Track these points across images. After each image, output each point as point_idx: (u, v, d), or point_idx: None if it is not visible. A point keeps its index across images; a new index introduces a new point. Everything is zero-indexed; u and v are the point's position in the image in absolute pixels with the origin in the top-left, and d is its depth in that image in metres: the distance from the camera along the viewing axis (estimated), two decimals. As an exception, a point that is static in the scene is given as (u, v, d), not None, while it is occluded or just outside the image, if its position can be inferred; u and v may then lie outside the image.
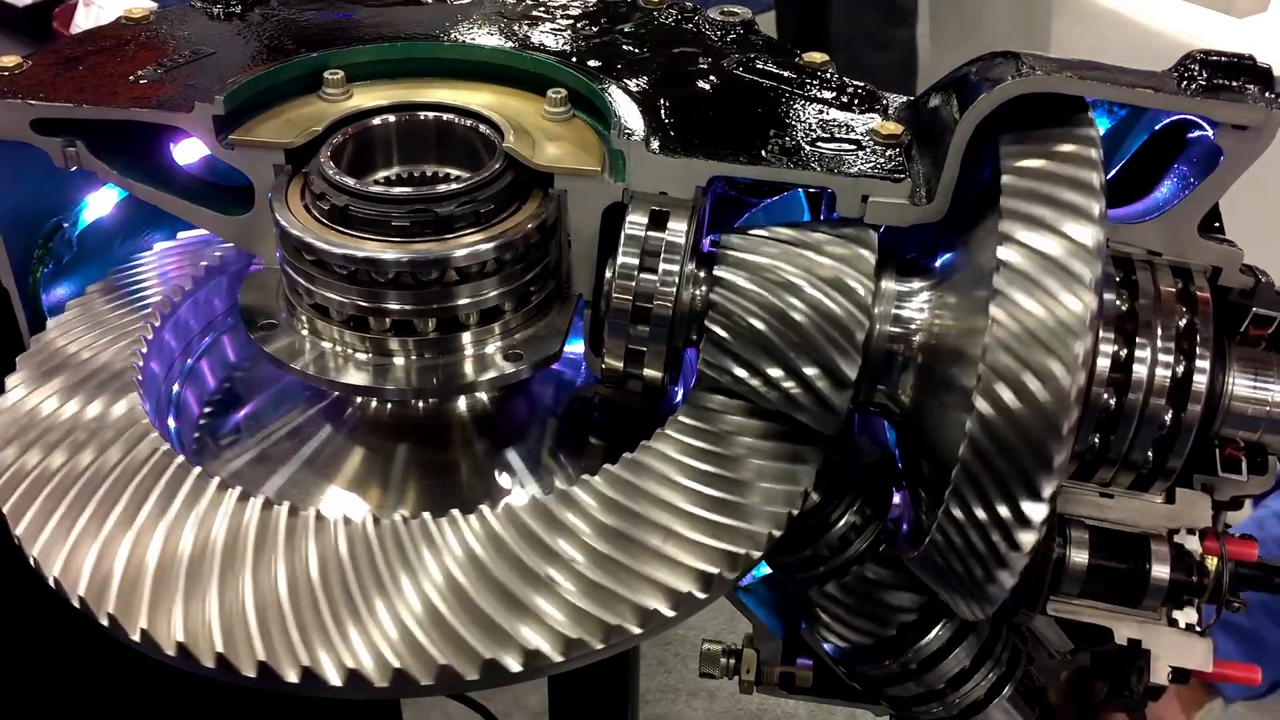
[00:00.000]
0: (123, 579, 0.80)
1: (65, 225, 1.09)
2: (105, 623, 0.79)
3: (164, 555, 0.81)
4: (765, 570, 1.06)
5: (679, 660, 2.83)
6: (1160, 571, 0.84)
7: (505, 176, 0.93)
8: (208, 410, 1.06)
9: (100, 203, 1.11)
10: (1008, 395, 0.74)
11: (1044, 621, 0.95)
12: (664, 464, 0.88)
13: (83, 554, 0.82)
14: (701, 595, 0.81)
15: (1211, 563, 0.86)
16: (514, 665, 0.77)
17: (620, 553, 0.82)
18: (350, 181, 0.91)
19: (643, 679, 2.72)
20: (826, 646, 1.01)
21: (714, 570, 0.82)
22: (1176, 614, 0.86)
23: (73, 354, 0.98)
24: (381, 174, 1.02)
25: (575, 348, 1.03)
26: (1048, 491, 0.74)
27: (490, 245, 0.90)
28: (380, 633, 0.77)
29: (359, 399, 1.03)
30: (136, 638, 0.78)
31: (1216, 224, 0.88)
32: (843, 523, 0.96)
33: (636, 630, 0.80)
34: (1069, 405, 0.73)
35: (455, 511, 0.84)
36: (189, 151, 1.06)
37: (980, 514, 0.77)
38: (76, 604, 0.81)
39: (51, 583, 0.82)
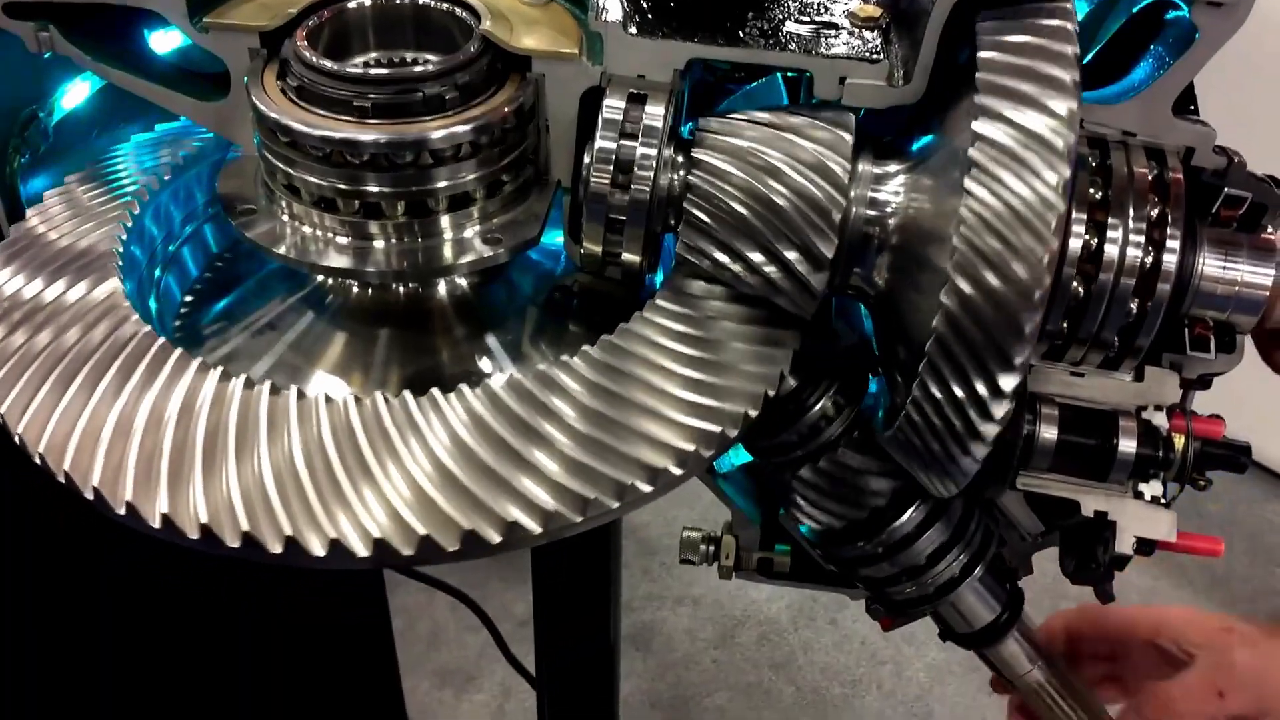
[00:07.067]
0: (105, 461, 0.81)
1: (41, 115, 1.09)
2: (90, 497, 0.81)
3: (147, 436, 0.82)
4: (744, 458, 1.08)
5: (664, 569, 2.86)
6: (1127, 446, 0.85)
7: (482, 59, 0.92)
8: (189, 299, 1.06)
9: (76, 93, 1.11)
10: (982, 266, 0.75)
11: (1014, 501, 0.97)
12: (642, 345, 0.89)
13: (64, 435, 0.83)
14: (678, 471, 0.82)
15: (1178, 439, 0.87)
16: (494, 536, 0.78)
17: (599, 430, 0.83)
18: (327, 63, 0.90)
19: (627, 587, 2.76)
20: (803, 530, 1.03)
21: (690, 448, 0.83)
22: (1142, 487, 0.87)
23: (53, 240, 0.98)
24: (358, 59, 1.01)
25: (555, 239, 1.04)
26: (1020, 359, 0.75)
27: (467, 127, 0.90)
28: (362, 505, 0.78)
29: (340, 285, 1.03)
30: (121, 511, 0.79)
31: (1191, 105, 0.88)
32: (819, 407, 0.97)
33: (614, 504, 0.81)
34: (1042, 272, 0.73)
35: (435, 391, 0.85)
36: (166, 38, 1.05)
37: (954, 386, 0.78)
38: (62, 479, 0.82)
39: (37, 460, 0.83)
